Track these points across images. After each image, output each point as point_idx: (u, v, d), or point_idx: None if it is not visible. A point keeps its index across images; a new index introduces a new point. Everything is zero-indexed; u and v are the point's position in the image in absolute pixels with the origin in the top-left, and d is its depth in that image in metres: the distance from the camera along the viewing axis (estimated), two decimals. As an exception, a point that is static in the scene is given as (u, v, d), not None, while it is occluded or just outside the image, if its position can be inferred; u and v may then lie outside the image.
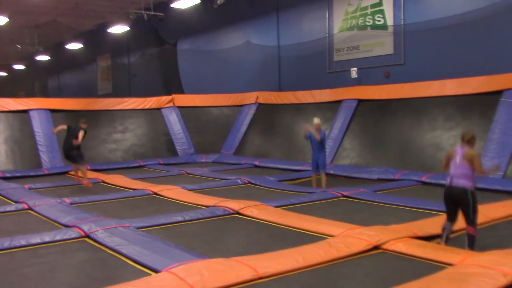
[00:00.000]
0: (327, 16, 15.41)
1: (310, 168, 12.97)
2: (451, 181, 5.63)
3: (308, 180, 11.96)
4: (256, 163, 14.79)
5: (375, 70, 13.94)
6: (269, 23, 17.54)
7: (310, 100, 15.35)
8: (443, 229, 5.82)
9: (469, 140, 5.65)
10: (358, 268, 5.15)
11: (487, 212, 7.31)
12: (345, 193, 9.36)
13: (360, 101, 13.96)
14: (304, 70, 16.16)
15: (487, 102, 11.07)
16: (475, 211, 5.54)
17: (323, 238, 6.15)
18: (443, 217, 7.15)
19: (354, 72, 14.48)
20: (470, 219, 5.56)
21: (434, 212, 7.72)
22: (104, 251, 5.97)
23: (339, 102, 14.47)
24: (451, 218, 5.74)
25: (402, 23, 13.31)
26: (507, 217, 7.22)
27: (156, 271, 5.03)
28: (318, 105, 15.06)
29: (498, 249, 5.54)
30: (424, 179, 10.62)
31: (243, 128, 17.10)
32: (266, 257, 5.31)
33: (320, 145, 10.58)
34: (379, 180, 11.24)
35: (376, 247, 5.75)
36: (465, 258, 5.08)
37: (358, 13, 14.50)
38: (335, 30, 15.17)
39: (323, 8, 15.60)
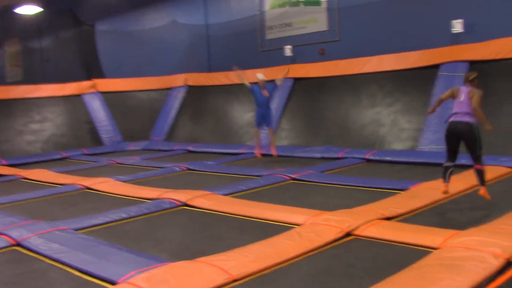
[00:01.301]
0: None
1: (248, 151, 12.56)
2: (455, 118, 5.67)
3: (249, 160, 11.54)
4: (190, 148, 14.09)
5: (310, 48, 13.60)
6: (195, 1, 16.67)
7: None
8: (445, 170, 5.83)
9: (472, 80, 5.78)
10: (337, 259, 4.71)
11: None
12: (293, 176, 8.96)
13: (296, 79, 13.60)
14: (235, 50, 15.53)
15: (425, 76, 11.05)
16: (481, 146, 5.60)
17: (288, 228, 5.66)
18: (403, 195, 6.97)
19: (288, 50, 14.06)
20: (477, 154, 5.61)
21: (389, 190, 7.48)
22: (42, 261, 5.11)
23: (273, 81, 14.02)
24: (452, 158, 5.79)
25: (336, -2, 13.06)
26: (466, 190, 7.09)
27: (111, 283, 4.31)
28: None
29: (470, 224, 5.37)
30: (368, 156, 10.46)
31: (173, 112, 16.27)
32: (234, 254, 4.74)
33: (267, 100, 10.16)
34: (322, 159, 10.97)
35: (348, 234, 5.35)
36: (445, 240, 4.79)
37: (290, -11, 14.09)
38: (267, 6, 14.64)
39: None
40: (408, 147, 10.71)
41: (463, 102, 5.72)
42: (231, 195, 7.72)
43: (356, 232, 5.37)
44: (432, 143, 10.24)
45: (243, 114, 14.38)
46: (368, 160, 10.39)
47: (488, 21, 10.48)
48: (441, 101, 6.20)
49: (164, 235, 5.96)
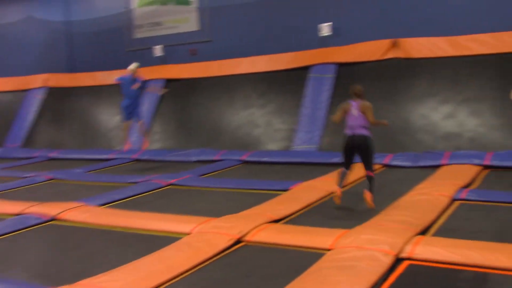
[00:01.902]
0: (122, -11, 14.15)
1: (119, 156, 11.93)
2: (352, 132, 6.07)
3: (121, 166, 10.93)
4: (52, 155, 12.98)
5: (182, 48, 13.26)
6: (56, -5, 15.42)
7: (110, 81, 13.98)
8: (341, 176, 6.20)
9: (359, 94, 6.18)
10: (232, 269, 4.50)
11: (323, 186, 7.34)
12: (171, 181, 8.60)
13: (167, 80, 13.20)
14: (102, 49, 14.60)
15: (297, 77, 11.32)
16: (373, 156, 6.14)
17: (175, 238, 5.31)
18: (285, 196, 6.97)
19: (158, 50, 13.57)
20: (370, 164, 6.10)
21: (270, 191, 7.46)
22: None
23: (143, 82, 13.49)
24: (348, 166, 6.22)
25: (207, -2, 12.86)
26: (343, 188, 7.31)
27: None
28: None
29: (354, 221, 5.53)
30: (244, 157, 10.43)
31: (31, 116, 14.89)
32: (120, 273, 4.31)
33: (136, 92, 9.71)
34: (198, 162, 10.73)
35: (239, 241, 5.16)
36: (335, 240, 4.82)
37: (158, -13, 13.61)
38: (135, 4, 13.99)
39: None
40: (282, 147, 10.88)
41: (356, 116, 6.06)
42: (107, 206, 7.17)
43: (247, 238, 5.21)
44: (305, 143, 10.51)
45: (111, 117, 13.61)
46: (245, 162, 10.37)
47: (353, 25, 11.01)
48: (339, 120, 6.34)
49: (33, 256, 5.28)
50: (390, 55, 10.43)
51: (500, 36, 9.50)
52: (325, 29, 11.15)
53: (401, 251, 4.46)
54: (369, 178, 6.14)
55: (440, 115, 9.64)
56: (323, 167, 9.08)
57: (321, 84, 10.91)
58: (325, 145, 10.32)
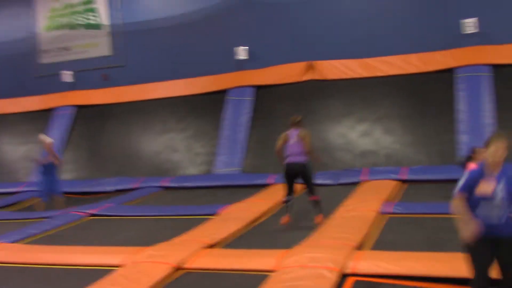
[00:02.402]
0: (29, 12, 13.37)
1: (28, 189, 11.09)
2: (290, 159, 6.26)
3: (32, 199, 10.18)
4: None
5: (93, 73, 12.73)
6: None
7: (15, 109, 13.20)
8: (286, 203, 6.35)
9: (298, 123, 6.37)
10: (175, 299, 4.29)
11: (252, 207, 7.31)
12: (91, 211, 8.14)
13: (78, 107, 12.62)
14: (4, 75, 13.63)
15: (215, 101, 11.27)
16: (313, 181, 6.34)
17: (108, 271, 4.98)
18: (216, 220, 6.83)
19: (67, 76, 12.93)
20: (312, 188, 6.28)
21: (199, 216, 7.29)
22: None
23: (51, 109, 12.81)
24: (291, 192, 6.39)
25: (119, 23, 12.47)
26: (272, 209, 7.33)
27: None
28: (26, 115, 13.05)
29: (290, 240, 5.53)
30: (165, 183, 10.16)
31: None
32: (53, 313, 3.95)
33: (53, 168, 9.05)
34: (117, 191, 10.27)
35: (177, 269, 4.94)
36: (279, 261, 4.75)
37: (67, 11, 13.00)
38: (41, 28, 13.29)
39: (22, 2, 13.49)
40: (204, 171, 10.74)
41: (294, 144, 6.27)
42: (24, 242, 6.60)
43: (185, 266, 5.00)
44: (227, 166, 10.44)
45: (16, 147, 12.76)
46: (165, 188, 10.09)
47: (269, 49, 11.17)
48: (280, 152, 6.48)
49: None
50: (306, 77, 10.72)
51: (407, 58, 10.10)
52: (242, 53, 11.24)
53: (344, 266, 4.49)
54: (314, 203, 6.27)
55: (356, 134, 10.02)
56: (247, 189, 9.05)
57: (239, 107, 10.95)
58: (248, 167, 10.32)
